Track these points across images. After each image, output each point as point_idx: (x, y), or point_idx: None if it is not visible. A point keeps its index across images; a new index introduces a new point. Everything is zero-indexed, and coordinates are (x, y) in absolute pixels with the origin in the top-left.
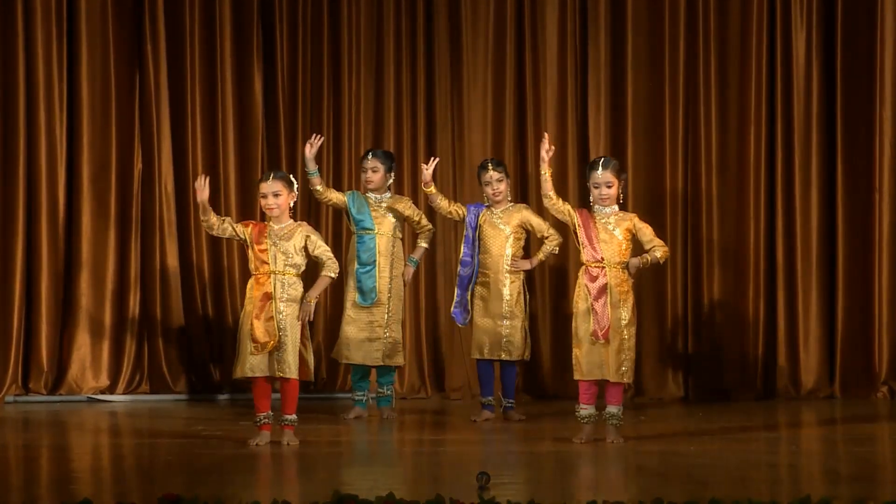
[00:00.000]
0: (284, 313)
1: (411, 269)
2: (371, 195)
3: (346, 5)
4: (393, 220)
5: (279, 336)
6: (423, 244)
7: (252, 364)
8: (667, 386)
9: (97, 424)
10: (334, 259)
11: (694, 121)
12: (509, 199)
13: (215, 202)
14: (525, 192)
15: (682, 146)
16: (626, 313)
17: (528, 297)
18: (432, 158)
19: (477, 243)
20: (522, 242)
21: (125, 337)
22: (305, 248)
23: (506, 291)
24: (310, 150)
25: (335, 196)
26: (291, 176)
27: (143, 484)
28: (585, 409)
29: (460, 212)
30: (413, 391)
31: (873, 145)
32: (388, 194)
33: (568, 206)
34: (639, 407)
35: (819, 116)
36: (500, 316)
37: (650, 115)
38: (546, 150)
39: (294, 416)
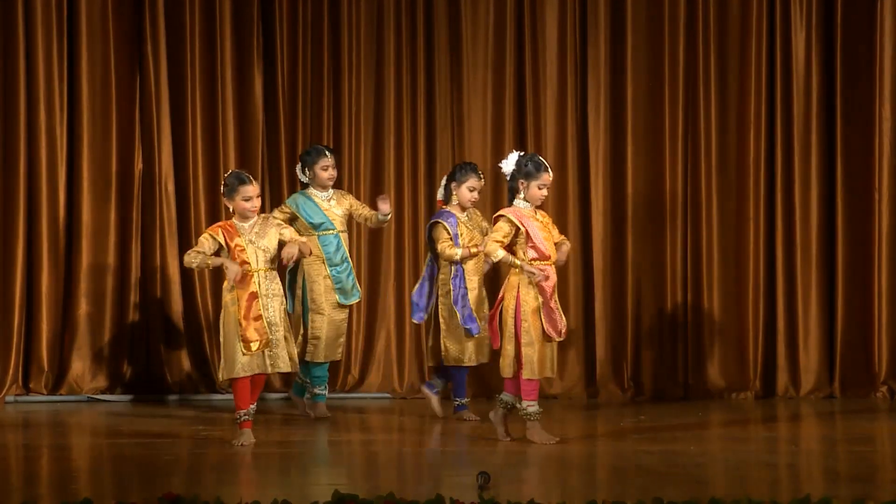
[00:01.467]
0: (273, 309)
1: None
2: (319, 193)
3: (346, 5)
4: (342, 214)
5: (271, 333)
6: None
7: (243, 364)
8: (666, 386)
9: (97, 424)
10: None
11: (694, 121)
12: None
13: (215, 202)
14: None
15: (681, 146)
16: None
17: None
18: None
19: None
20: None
21: (125, 337)
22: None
23: (483, 295)
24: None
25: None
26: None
27: (143, 484)
28: (534, 406)
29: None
30: (413, 391)
31: (873, 145)
32: (331, 190)
33: (504, 227)
34: (639, 406)
35: (819, 116)
36: (484, 319)
37: (650, 116)
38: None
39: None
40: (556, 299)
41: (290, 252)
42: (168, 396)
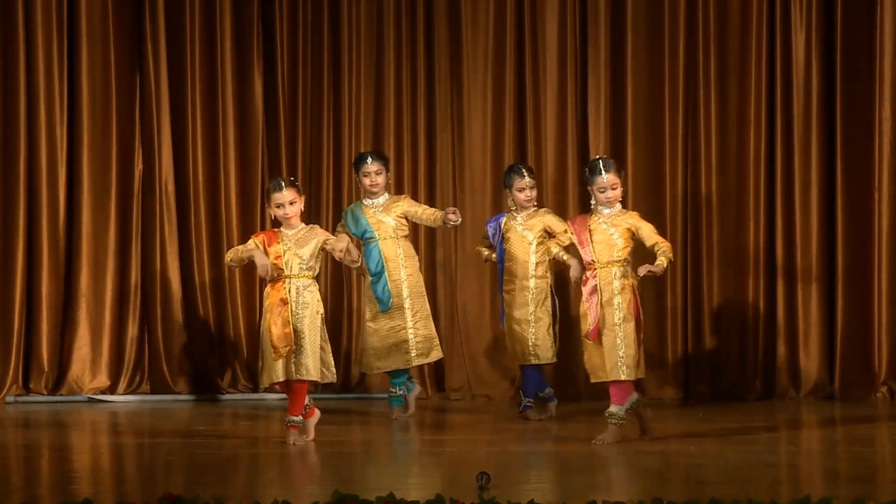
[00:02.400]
0: (301, 316)
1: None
2: (367, 201)
3: (346, 6)
4: (392, 221)
5: (296, 340)
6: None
7: (277, 371)
8: (667, 386)
9: (97, 424)
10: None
11: (694, 121)
12: (534, 203)
13: (215, 202)
14: None
15: (681, 146)
16: (619, 311)
17: (556, 301)
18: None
19: (501, 254)
20: (545, 246)
21: (125, 337)
22: (322, 250)
23: (530, 297)
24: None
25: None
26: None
27: (143, 484)
28: (613, 408)
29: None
30: None
31: (873, 145)
32: (384, 196)
33: (567, 234)
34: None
35: (819, 116)
36: (528, 322)
37: (650, 115)
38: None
39: (299, 418)
40: (602, 302)
41: (339, 245)
42: (168, 396)
